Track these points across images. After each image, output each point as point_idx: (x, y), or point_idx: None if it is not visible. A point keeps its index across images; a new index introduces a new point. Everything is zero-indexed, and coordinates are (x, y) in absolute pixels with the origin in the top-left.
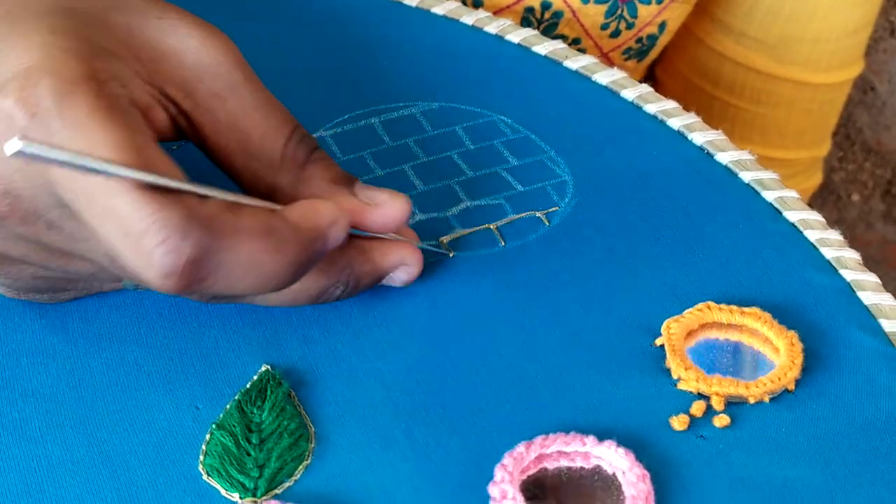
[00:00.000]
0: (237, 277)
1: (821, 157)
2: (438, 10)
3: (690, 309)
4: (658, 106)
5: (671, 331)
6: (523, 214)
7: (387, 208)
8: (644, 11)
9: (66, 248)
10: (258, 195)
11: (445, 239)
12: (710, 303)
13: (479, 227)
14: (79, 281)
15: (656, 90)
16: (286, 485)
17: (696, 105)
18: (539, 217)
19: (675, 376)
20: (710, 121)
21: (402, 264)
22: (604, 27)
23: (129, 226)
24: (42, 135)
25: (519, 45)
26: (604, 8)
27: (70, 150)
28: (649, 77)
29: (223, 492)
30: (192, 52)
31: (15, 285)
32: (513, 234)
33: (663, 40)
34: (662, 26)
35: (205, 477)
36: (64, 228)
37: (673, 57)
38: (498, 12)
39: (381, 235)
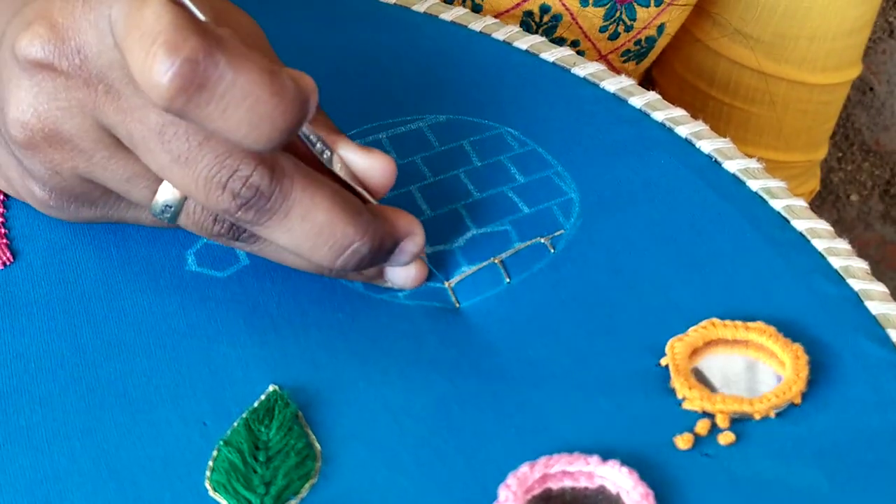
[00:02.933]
0: (232, 103)
1: (817, 161)
2: (446, 16)
3: (695, 327)
4: (665, 113)
5: (675, 350)
6: (528, 243)
7: (379, 158)
8: (643, 14)
9: (115, 124)
10: None
11: (451, 283)
12: (714, 319)
13: (484, 264)
14: (110, 195)
15: (650, 89)
16: (292, 502)
17: (691, 104)
18: (544, 243)
19: (679, 396)
20: (705, 120)
21: (412, 234)
22: (602, 30)
23: (146, 29)
24: None
25: (527, 51)
26: (602, 11)
27: None
28: (645, 78)
29: None
30: (233, 12)
31: (51, 182)
32: (518, 267)
33: (662, 42)
34: (661, 28)
35: (211, 493)
36: (121, 94)
37: (668, 55)
38: (497, 16)
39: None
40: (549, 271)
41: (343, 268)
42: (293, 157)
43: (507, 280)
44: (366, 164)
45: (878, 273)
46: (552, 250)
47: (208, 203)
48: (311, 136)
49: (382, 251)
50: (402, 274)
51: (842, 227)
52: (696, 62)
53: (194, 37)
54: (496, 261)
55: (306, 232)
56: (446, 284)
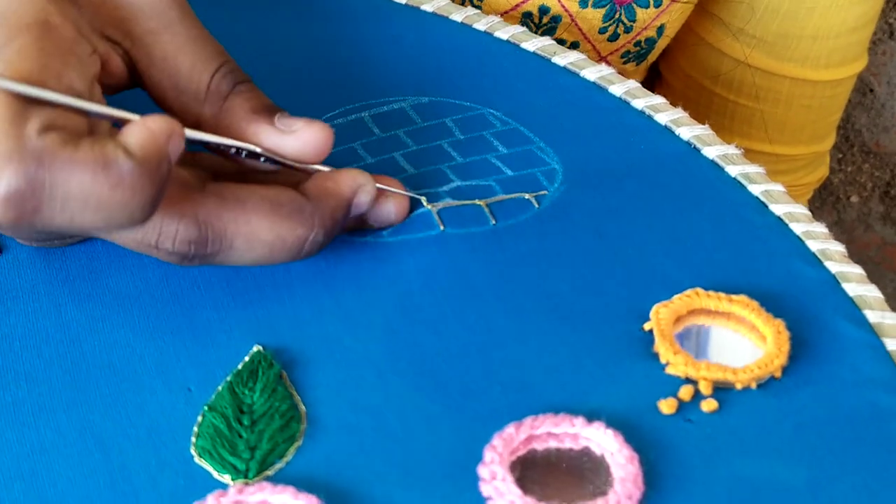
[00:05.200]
0: (75, 211)
1: (824, 151)
2: (427, 7)
3: (679, 294)
4: (645, 101)
5: (660, 315)
6: (513, 195)
7: (304, 134)
8: (642, 15)
9: None
10: (186, 125)
11: (436, 207)
12: (698, 289)
13: (469, 202)
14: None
15: (659, 85)
16: (278, 466)
17: (697, 101)
18: (528, 199)
19: (663, 361)
20: (710, 116)
21: (358, 187)
22: (602, 31)
23: None
24: None
25: (508, 41)
26: (602, 12)
27: None
28: (653, 73)
29: (215, 474)
30: None
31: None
32: (503, 214)
33: (662, 43)
34: (661, 29)
35: (197, 459)
36: None
37: (675, 53)
38: None
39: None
40: (534, 223)
41: (310, 254)
42: (213, 182)
43: (493, 222)
44: (294, 145)
45: (878, 275)
46: (536, 206)
47: (151, 256)
48: (222, 145)
49: (338, 224)
50: (385, 210)
51: (842, 229)
52: (701, 60)
53: (14, 162)
54: (481, 202)
55: (257, 251)
56: (429, 206)
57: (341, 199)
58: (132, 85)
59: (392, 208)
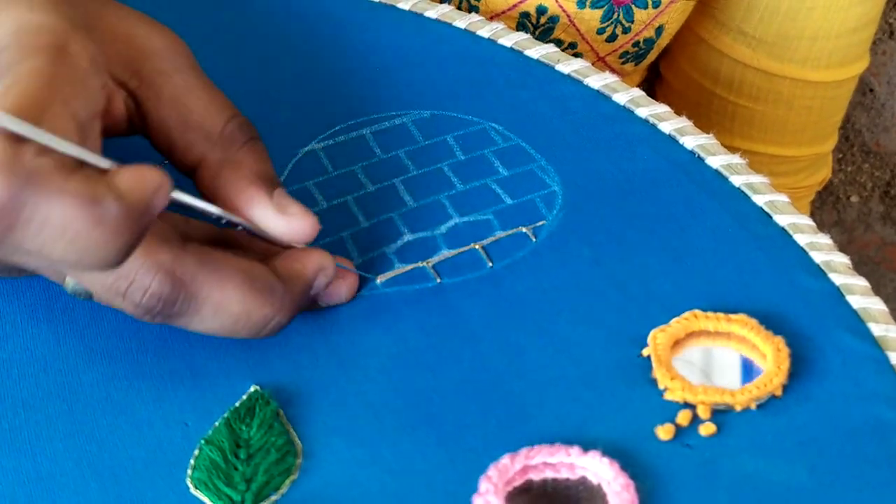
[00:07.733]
0: (48, 240)
1: (825, 153)
2: (431, 13)
3: (677, 318)
4: (649, 110)
5: (657, 341)
6: (510, 232)
7: (295, 221)
8: (641, 15)
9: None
10: (183, 166)
11: (431, 262)
12: (696, 311)
13: (464, 248)
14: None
15: (660, 86)
16: (273, 498)
17: (697, 102)
18: (526, 233)
19: (661, 387)
20: (711, 118)
21: (320, 269)
22: (600, 32)
23: None
24: None
25: (511, 48)
26: (600, 12)
27: None
28: (653, 74)
29: None
30: (142, 36)
31: None
32: (500, 253)
33: (661, 44)
34: (660, 30)
35: (193, 490)
36: None
37: (675, 53)
38: (493, 17)
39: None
40: (531, 259)
41: (269, 335)
42: (197, 244)
43: (490, 265)
44: (282, 228)
45: (877, 275)
46: (534, 239)
47: (114, 306)
48: (210, 211)
49: (300, 308)
50: (336, 292)
51: (842, 229)
52: (701, 61)
53: (5, 177)
54: (477, 246)
55: (222, 322)
56: (425, 264)
57: (307, 283)
58: (126, 132)
59: (343, 291)
